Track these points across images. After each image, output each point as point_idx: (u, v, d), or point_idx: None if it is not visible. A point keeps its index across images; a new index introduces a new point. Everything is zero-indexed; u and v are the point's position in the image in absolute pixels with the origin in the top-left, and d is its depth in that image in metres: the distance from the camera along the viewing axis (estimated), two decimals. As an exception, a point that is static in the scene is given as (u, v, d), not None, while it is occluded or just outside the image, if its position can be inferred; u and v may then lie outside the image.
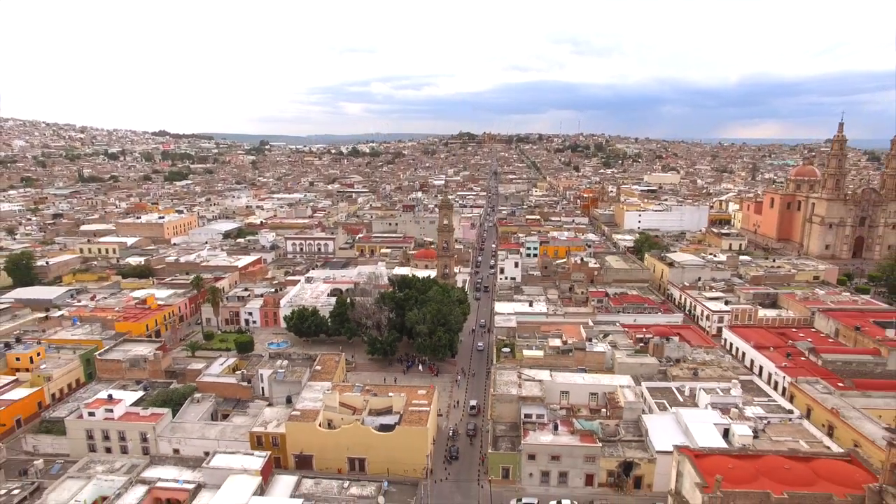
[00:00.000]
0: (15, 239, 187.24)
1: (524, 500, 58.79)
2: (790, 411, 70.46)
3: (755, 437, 63.67)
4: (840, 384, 78.20)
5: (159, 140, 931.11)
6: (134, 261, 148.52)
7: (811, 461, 52.93)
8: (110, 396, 69.86)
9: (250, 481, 53.76)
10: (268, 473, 56.56)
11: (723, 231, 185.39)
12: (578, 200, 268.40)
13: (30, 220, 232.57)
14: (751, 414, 67.69)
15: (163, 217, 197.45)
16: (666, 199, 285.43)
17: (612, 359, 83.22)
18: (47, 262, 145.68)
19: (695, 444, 58.25)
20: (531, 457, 61.90)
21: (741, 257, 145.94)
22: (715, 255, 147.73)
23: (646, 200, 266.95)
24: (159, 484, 55.47)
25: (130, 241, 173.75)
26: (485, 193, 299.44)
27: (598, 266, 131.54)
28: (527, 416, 66.50)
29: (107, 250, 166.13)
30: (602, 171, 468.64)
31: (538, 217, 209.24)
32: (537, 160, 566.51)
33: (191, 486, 54.68)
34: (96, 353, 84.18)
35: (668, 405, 70.30)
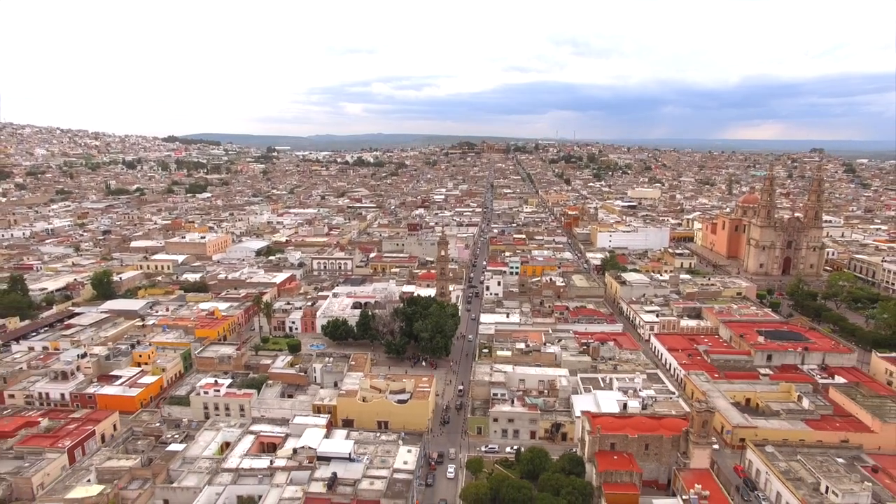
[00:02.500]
0: (80, 255, 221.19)
1: (490, 446, 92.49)
2: (672, 392, 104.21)
3: (644, 408, 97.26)
4: (716, 375, 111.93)
5: (170, 147, 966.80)
6: (191, 277, 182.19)
7: (662, 419, 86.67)
8: (216, 382, 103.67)
9: (320, 431, 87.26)
10: (329, 428, 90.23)
11: (677, 251, 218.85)
12: (563, 217, 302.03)
13: (82, 235, 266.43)
14: (644, 394, 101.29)
15: (204, 237, 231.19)
16: (644, 215, 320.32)
17: (560, 357, 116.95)
18: (120, 278, 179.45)
19: (599, 411, 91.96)
20: (496, 420, 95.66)
21: (682, 276, 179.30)
22: (662, 274, 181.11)
23: (624, 218, 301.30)
24: (262, 433, 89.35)
25: (180, 258, 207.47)
26: (481, 210, 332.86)
27: (563, 284, 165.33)
28: (494, 394, 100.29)
29: (162, 267, 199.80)
30: (592, 183, 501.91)
31: (524, 236, 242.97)
32: (532, 171, 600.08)
33: (283, 435, 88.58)
34: (195, 352, 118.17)
35: (591, 389, 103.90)
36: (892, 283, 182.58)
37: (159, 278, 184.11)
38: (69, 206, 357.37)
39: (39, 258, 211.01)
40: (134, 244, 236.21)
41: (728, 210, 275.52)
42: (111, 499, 72.17)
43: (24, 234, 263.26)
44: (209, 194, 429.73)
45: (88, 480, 76.49)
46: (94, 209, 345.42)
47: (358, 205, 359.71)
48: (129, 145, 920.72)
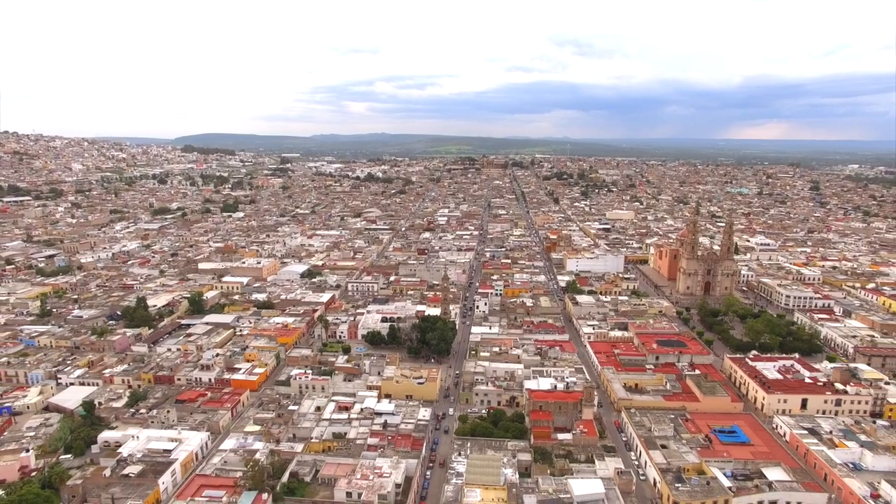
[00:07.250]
0: (164, 276, 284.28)
1: (472, 409, 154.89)
2: (588, 379, 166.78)
3: (567, 387, 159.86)
4: (620, 369, 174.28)
5: (190, 158, 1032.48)
6: (258, 297, 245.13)
7: (571, 393, 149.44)
8: (304, 372, 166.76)
9: (374, 399, 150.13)
10: (378, 398, 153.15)
11: (625, 276, 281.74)
12: (545, 241, 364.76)
13: (154, 257, 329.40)
14: (568, 380, 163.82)
15: (259, 262, 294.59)
16: (614, 238, 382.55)
17: (521, 357, 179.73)
18: (206, 297, 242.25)
19: (538, 389, 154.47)
20: (477, 394, 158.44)
21: (621, 297, 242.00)
22: (606, 296, 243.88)
23: (596, 241, 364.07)
24: (339, 401, 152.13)
25: (244, 280, 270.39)
26: (478, 234, 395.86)
27: (532, 304, 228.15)
28: (476, 379, 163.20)
29: (232, 288, 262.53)
30: (577, 203, 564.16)
31: (510, 261, 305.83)
32: (526, 189, 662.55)
33: (352, 401, 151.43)
34: (286, 353, 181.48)
35: (537, 377, 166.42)
36: (780, 303, 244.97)
37: (236, 297, 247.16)
38: (129, 227, 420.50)
39: (134, 279, 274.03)
40: (201, 266, 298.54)
41: (672, 239, 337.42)
42: (267, 430, 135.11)
43: (107, 255, 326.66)
44: (242, 213, 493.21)
45: (251, 423, 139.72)
46: (149, 230, 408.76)
47: (373, 227, 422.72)
48: (151, 157, 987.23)
